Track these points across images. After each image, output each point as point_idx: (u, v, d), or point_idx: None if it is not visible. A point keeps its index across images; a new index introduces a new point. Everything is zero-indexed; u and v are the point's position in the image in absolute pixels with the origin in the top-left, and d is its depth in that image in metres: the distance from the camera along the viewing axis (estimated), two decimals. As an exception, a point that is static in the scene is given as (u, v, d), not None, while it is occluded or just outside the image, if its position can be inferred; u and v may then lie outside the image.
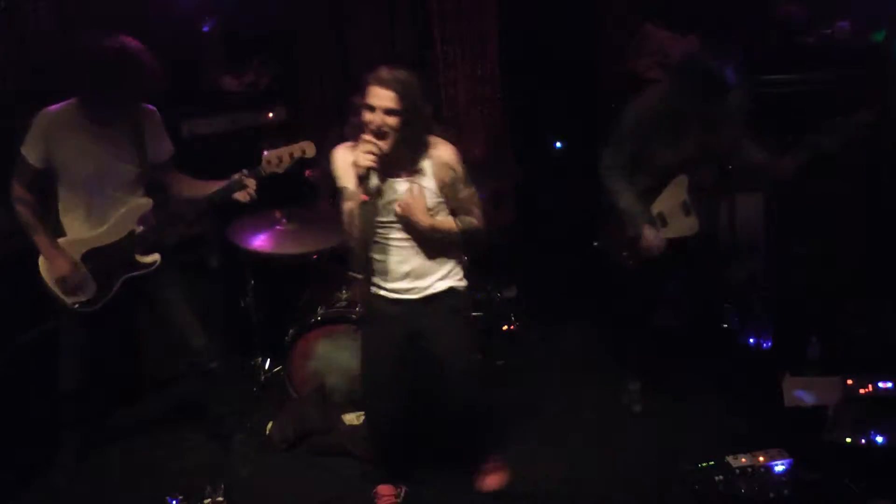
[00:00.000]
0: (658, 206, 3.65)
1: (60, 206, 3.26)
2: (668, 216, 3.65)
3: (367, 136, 2.72)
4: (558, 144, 5.36)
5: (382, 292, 3.03)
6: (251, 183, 3.23)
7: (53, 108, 3.14)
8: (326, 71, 5.12)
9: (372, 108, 2.69)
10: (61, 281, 3.22)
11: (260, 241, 3.99)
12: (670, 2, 4.92)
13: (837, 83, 4.29)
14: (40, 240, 3.20)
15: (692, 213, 3.62)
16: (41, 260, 3.25)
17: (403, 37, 5.05)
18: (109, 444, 3.83)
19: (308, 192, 4.50)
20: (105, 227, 3.25)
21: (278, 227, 4.07)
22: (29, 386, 3.68)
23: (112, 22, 4.22)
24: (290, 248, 4.01)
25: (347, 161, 2.83)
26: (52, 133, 3.12)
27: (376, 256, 2.98)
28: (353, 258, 3.04)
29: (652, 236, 3.57)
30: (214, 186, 3.29)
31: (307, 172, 4.64)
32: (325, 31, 5.08)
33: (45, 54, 4.15)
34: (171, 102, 4.43)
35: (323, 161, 4.37)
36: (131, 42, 3.05)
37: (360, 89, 2.71)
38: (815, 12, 4.57)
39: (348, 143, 2.88)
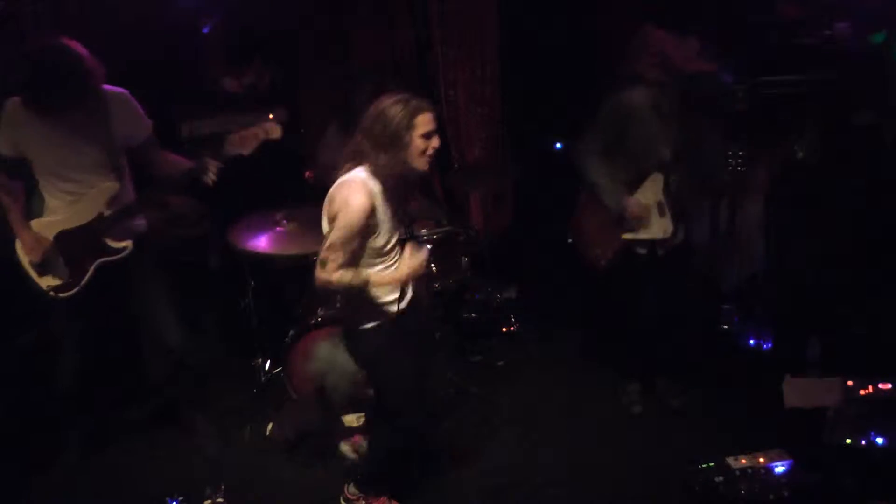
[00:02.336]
0: (635, 207, 3.64)
1: (39, 190, 3.31)
2: (645, 216, 3.64)
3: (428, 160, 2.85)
4: (558, 145, 5.35)
5: (400, 306, 2.98)
6: (213, 165, 3.21)
7: (17, 97, 3.16)
8: (326, 71, 5.12)
9: (433, 133, 2.82)
10: (32, 261, 3.27)
11: (260, 243, 3.99)
12: (670, 2, 4.91)
13: (837, 84, 4.28)
14: (12, 219, 3.29)
15: (666, 215, 3.62)
16: (17, 244, 3.31)
17: (403, 37, 5.04)
18: (110, 445, 3.83)
19: (308, 192, 4.50)
20: (74, 210, 3.27)
21: (278, 229, 4.07)
22: (29, 386, 3.68)
23: (112, 23, 4.25)
24: (291, 249, 4.00)
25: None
26: (16, 122, 3.16)
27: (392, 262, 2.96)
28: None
29: (635, 204, 3.57)
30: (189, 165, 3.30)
31: (307, 174, 4.64)
32: (325, 31, 5.08)
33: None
34: (172, 103, 4.47)
35: (321, 159, 4.40)
36: (67, 43, 3.03)
37: (405, 120, 2.76)
38: (814, 13, 4.57)
39: (364, 178, 2.82)
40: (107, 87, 3.20)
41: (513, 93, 5.14)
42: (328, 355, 3.85)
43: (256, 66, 4.98)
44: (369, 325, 2.96)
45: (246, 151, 3.23)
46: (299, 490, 3.52)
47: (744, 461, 3.24)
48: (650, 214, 3.60)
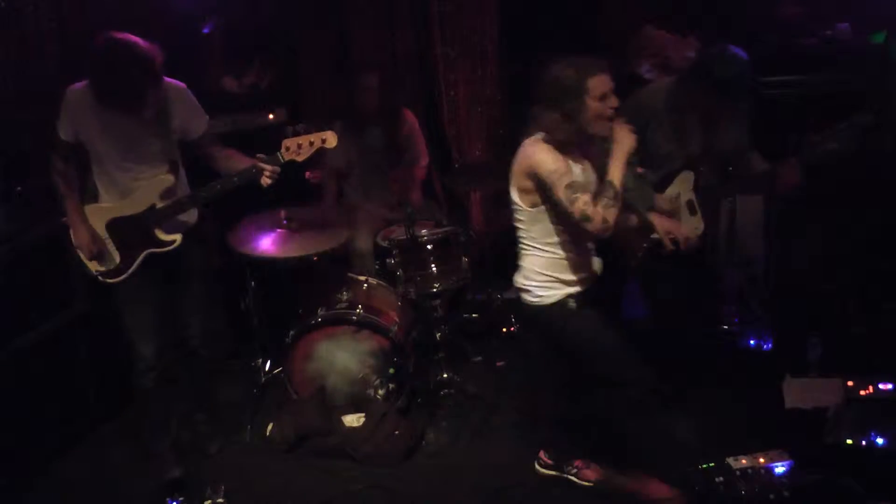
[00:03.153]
0: (664, 205, 3.60)
1: (94, 176, 3.34)
2: (675, 215, 3.60)
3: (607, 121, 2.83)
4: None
5: (577, 288, 3.07)
6: (268, 168, 3.22)
7: (79, 85, 3.19)
8: (326, 71, 5.12)
9: (609, 94, 2.79)
10: (81, 248, 3.32)
11: (261, 244, 3.98)
12: (670, 2, 4.91)
13: (837, 84, 4.28)
14: (68, 208, 3.33)
15: (698, 213, 3.58)
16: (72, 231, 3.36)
17: (403, 37, 5.04)
18: (110, 446, 3.84)
19: (308, 193, 4.50)
20: (128, 198, 3.30)
21: (279, 230, 4.05)
22: (30, 386, 3.68)
23: (111, 23, 4.25)
24: (292, 250, 3.99)
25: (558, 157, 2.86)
26: (76, 109, 3.19)
27: (578, 248, 3.02)
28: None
29: (663, 221, 3.46)
30: (246, 159, 3.31)
31: (307, 174, 4.64)
32: (325, 31, 5.08)
33: (45, 54, 4.16)
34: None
35: (327, 161, 4.40)
36: (135, 40, 3.05)
37: (576, 84, 2.75)
38: (815, 13, 4.57)
39: (539, 139, 2.90)
40: (167, 79, 3.22)
41: (513, 93, 5.14)
42: (328, 355, 3.85)
43: (257, 67, 4.98)
44: (561, 298, 3.05)
45: (300, 158, 3.25)
46: (299, 490, 3.51)
47: (744, 462, 3.23)
48: (679, 214, 3.55)
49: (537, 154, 2.86)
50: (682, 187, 3.55)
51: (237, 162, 3.35)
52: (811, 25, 4.55)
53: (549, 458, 3.47)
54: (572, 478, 3.43)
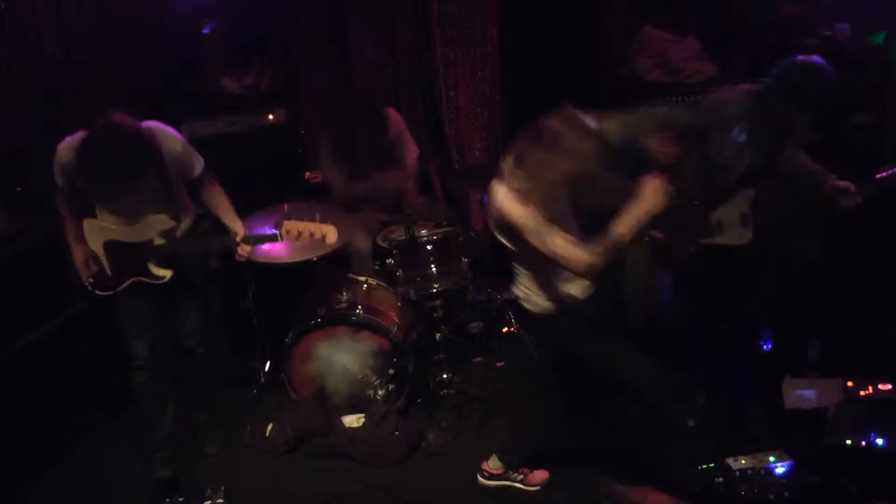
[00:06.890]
0: (718, 214, 3.59)
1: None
2: (725, 225, 3.59)
3: None
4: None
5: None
6: (240, 248, 3.26)
7: (66, 142, 3.13)
8: (326, 71, 5.12)
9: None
10: (78, 267, 3.34)
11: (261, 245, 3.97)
12: (670, 3, 4.91)
13: (838, 85, 4.28)
14: (67, 229, 3.35)
15: (749, 227, 3.56)
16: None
17: (403, 37, 5.05)
18: (109, 446, 3.84)
19: (308, 193, 4.50)
20: (128, 228, 3.27)
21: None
22: (30, 386, 3.68)
23: (112, 23, 4.26)
24: (291, 251, 3.99)
25: None
26: (67, 165, 3.12)
27: None
28: None
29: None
30: (231, 218, 3.34)
31: (307, 175, 4.64)
32: (325, 31, 5.08)
33: (45, 54, 4.16)
34: (172, 103, 4.47)
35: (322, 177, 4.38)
36: (113, 123, 2.98)
37: None
38: (814, 14, 4.57)
39: None
40: (159, 126, 3.18)
41: (513, 93, 5.14)
42: (328, 356, 3.85)
43: (257, 67, 4.99)
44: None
45: (298, 244, 3.29)
46: (299, 490, 3.52)
47: (744, 462, 3.23)
48: (730, 225, 3.56)
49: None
50: (739, 201, 3.54)
51: (219, 207, 3.36)
52: (811, 25, 4.55)
53: (493, 469, 3.43)
54: (518, 484, 3.42)
